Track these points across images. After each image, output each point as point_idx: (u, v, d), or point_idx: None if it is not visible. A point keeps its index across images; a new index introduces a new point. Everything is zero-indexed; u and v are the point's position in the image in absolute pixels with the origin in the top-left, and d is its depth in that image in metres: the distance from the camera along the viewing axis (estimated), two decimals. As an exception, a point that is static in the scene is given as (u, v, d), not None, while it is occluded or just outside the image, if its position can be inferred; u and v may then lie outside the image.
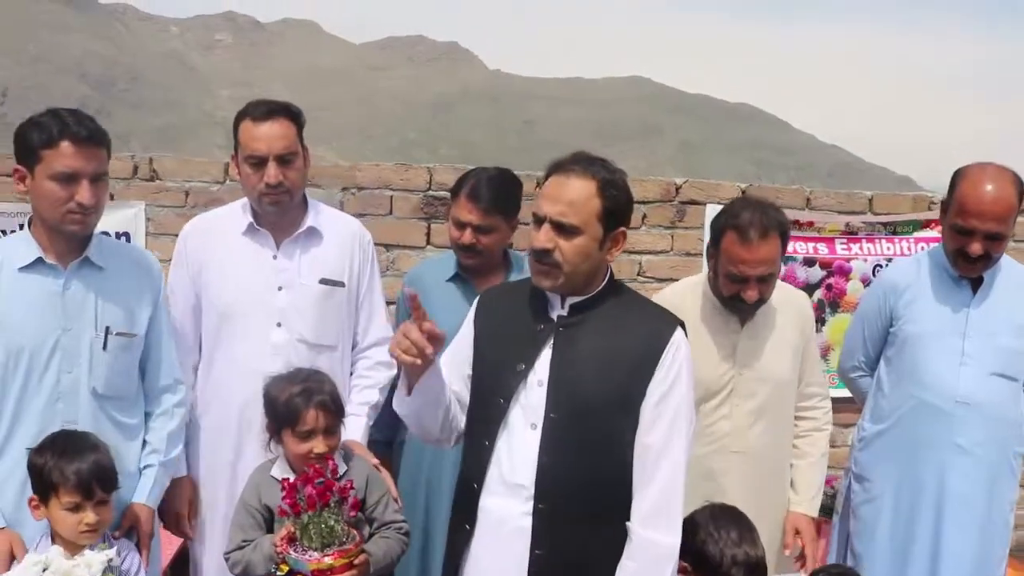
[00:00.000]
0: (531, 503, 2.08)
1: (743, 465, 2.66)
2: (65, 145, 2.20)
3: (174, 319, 2.59)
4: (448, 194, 3.04)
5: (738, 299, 2.56)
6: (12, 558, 2.21)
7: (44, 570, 2.03)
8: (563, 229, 2.04)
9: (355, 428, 2.59)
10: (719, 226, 2.59)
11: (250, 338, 2.59)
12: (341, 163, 4.25)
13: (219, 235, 2.67)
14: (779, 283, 2.79)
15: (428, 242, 3.69)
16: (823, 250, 4.03)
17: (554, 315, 2.15)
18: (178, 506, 2.59)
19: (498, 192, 2.79)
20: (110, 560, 2.14)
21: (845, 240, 4.06)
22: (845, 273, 4.05)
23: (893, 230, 4.08)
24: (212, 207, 3.70)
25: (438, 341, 1.99)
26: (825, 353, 3.91)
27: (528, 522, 2.08)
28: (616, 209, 2.09)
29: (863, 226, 4.06)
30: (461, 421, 2.22)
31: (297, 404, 2.36)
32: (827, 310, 4.06)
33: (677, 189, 3.91)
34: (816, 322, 3.74)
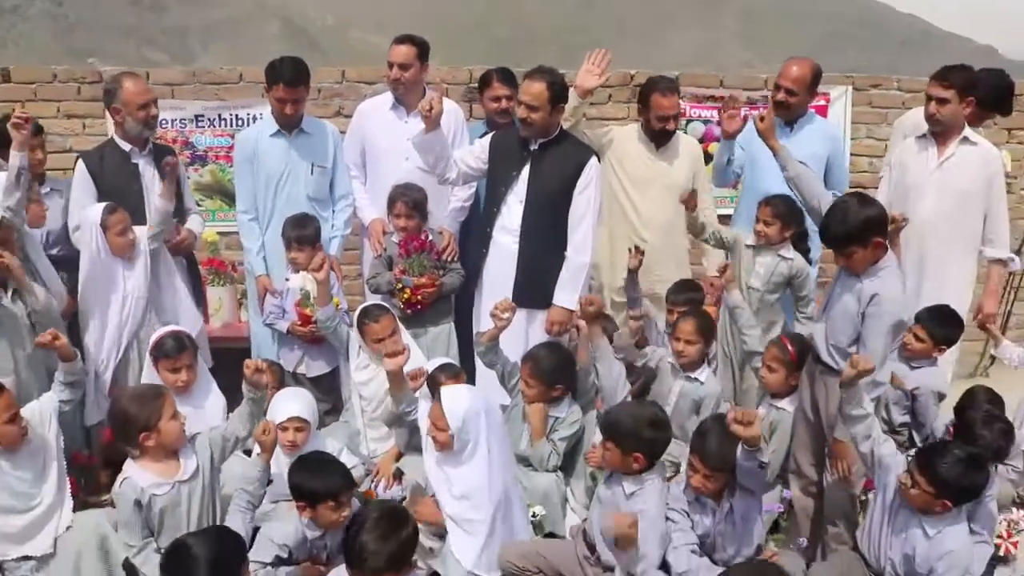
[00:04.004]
0: (518, 238, 4.25)
1: (652, 234, 4.78)
2: (277, 83, 4.43)
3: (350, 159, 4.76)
4: (476, 85, 5.21)
5: (660, 130, 4.70)
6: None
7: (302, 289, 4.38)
8: (532, 108, 4.14)
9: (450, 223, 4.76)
10: (646, 91, 4.73)
11: (390, 167, 4.71)
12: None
13: (376, 109, 4.85)
14: (683, 135, 4.99)
15: (471, 116, 5.79)
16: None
17: (531, 148, 4.25)
18: None
19: (510, 74, 4.93)
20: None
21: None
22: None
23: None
24: (335, 100, 5.91)
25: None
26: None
27: (515, 246, 4.25)
28: (558, 95, 4.15)
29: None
30: (455, 170, 4.30)
31: (393, 196, 4.52)
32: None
33: (632, 77, 5.94)
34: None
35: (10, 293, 3.77)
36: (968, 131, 4.57)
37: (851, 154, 6.27)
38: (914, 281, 4.53)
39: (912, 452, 3.28)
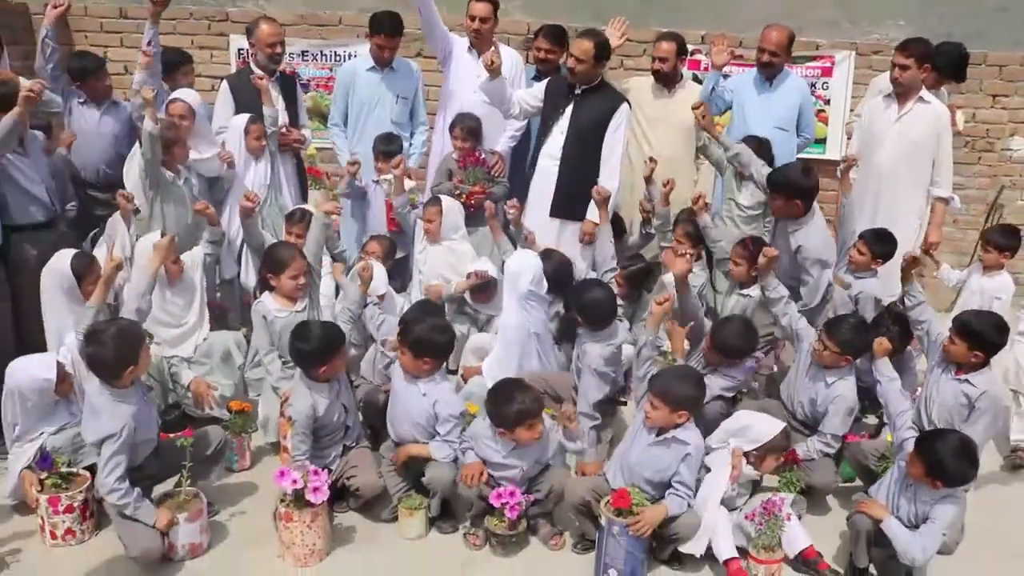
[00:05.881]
0: (558, 162, 5.42)
1: (661, 166, 5.86)
2: (379, 34, 5.67)
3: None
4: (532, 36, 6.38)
5: (658, 71, 5.91)
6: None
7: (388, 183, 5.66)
8: (579, 61, 5.28)
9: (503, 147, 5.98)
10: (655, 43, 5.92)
11: (462, 98, 5.91)
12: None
13: (456, 51, 6.01)
14: (692, 83, 6.10)
15: (527, 62, 6.96)
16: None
17: (576, 92, 5.38)
18: None
19: (555, 32, 6.08)
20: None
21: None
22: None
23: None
24: (415, 43, 7.14)
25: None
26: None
27: (556, 169, 5.42)
28: (601, 53, 5.27)
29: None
30: (517, 107, 5.45)
31: (454, 123, 5.76)
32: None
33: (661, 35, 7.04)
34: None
35: (183, 179, 5.20)
36: (924, 92, 5.61)
37: (850, 110, 7.27)
38: (871, 213, 5.64)
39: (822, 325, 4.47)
